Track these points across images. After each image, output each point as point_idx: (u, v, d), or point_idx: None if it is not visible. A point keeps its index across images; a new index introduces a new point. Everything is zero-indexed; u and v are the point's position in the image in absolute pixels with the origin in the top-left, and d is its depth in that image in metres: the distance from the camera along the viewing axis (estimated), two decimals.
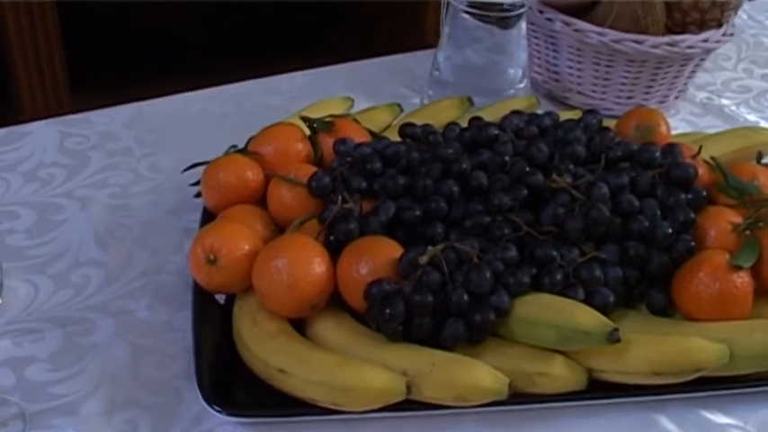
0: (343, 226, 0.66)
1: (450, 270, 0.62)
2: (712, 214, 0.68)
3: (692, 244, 0.66)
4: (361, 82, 1.04)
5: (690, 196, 0.69)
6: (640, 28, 0.90)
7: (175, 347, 0.67)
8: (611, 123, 0.82)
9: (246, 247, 0.66)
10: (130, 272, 0.75)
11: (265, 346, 0.62)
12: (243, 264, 0.65)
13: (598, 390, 0.62)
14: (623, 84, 0.96)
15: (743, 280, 0.63)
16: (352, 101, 0.89)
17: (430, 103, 0.89)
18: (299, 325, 0.65)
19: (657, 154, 0.71)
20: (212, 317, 0.67)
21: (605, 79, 0.96)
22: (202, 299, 0.67)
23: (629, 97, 0.97)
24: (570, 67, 0.98)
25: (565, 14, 0.93)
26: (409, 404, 0.59)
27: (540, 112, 0.83)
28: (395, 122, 0.86)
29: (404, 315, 0.60)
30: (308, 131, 0.79)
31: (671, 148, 0.75)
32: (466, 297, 0.61)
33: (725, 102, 1.04)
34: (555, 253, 0.64)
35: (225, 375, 0.63)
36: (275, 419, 0.60)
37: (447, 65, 0.91)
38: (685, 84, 0.99)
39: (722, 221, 0.68)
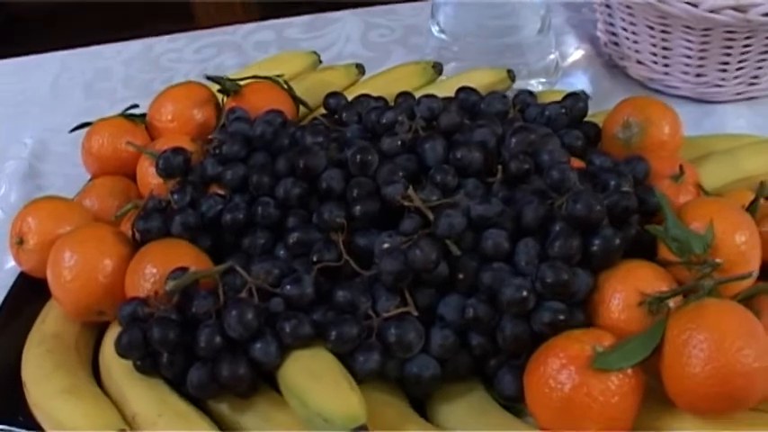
0: (142, 223, 0.55)
1: (226, 299, 0.49)
2: (620, 276, 0.47)
3: (561, 318, 0.46)
4: (400, 28, 0.89)
5: (597, 243, 0.48)
6: None
7: None
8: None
9: (60, 231, 0.58)
10: None
11: (27, 354, 0.54)
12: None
13: None
14: (688, 57, 0.71)
15: (605, 387, 0.43)
16: (317, 56, 0.75)
17: (391, 68, 0.72)
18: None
19: (571, 174, 0.50)
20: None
21: (664, 48, 0.72)
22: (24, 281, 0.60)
23: (699, 75, 0.72)
24: (625, 30, 0.74)
25: None
26: None
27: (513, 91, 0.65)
28: (353, 87, 0.71)
29: (143, 348, 0.49)
30: None
31: (632, 163, 0.54)
32: (218, 339, 0.47)
33: None
34: (363, 299, 0.48)
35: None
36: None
37: (444, 13, 0.73)
38: None
39: (630, 289, 0.46)
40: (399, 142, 0.55)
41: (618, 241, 0.48)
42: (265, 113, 0.61)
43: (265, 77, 0.67)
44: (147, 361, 0.50)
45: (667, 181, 0.54)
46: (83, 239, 0.55)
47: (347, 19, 0.91)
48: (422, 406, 0.49)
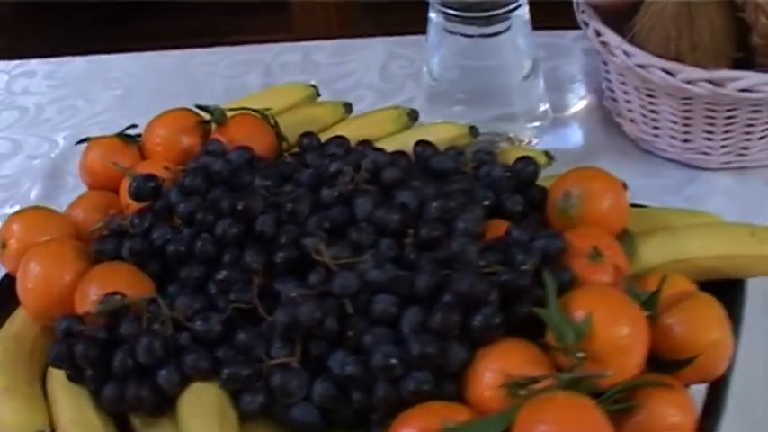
0: (97, 245, 0.60)
1: (148, 326, 0.54)
2: (494, 354, 0.48)
3: (425, 388, 0.48)
4: (420, 60, 0.91)
5: (478, 319, 0.50)
6: (671, 53, 0.65)
7: None
8: None
9: (41, 239, 0.64)
10: None
11: None
12: None
13: None
14: (673, 122, 0.70)
15: None
16: (315, 89, 0.78)
17: (370, 111, 0.75)
18: None
19: (470, 248, 0.52)
20: None
21: (652, 111, 0.71)
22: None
23: (686, 140, 0.71)
24: (618, 88, 0.74)
25: (608, 15, 0.70)
26: None
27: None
28: (335, 126, 0.74)
29: (70, 361, 0.54)
30: None
31: (549, 239, 0.55)
32: (130, 362, 0.52)
33: None
34: (259, 343, 0.52)
35: None
36: None
37: (435, 55, 0.75)
38: None
39: (498, 369, 0.48)
40: (336, 194, 0.58)
41: (498, 320, 0.49)
42: (234, 149, 0.66)
43: (254, 110, 0.72)
44: (75, 372, 0.55)
45: (584, 260, 0.54)
46: (46, 253, 0.61)
47: (374, 47, 0.94)
48: None
